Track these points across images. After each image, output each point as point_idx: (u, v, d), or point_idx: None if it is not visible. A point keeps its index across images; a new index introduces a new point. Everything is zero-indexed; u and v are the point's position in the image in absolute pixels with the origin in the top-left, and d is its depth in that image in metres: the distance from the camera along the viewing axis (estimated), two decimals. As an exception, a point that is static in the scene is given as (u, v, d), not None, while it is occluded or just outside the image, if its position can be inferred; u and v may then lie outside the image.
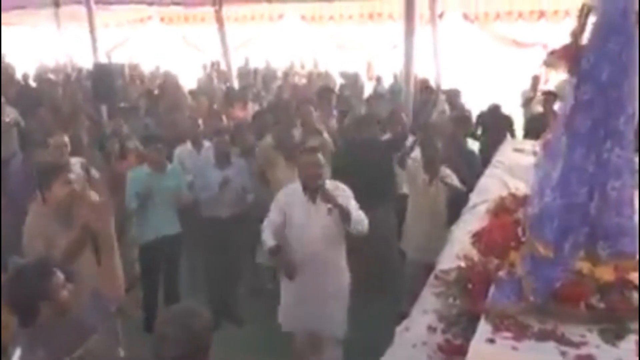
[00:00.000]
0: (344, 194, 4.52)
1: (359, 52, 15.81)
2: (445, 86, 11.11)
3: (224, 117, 7.78)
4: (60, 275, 2.89)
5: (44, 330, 2.78)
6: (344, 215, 4.37)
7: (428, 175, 5.65)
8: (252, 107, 9.69)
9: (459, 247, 3.69)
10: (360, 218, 4.44)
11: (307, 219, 4.49)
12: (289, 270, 4.46)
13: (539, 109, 9.18)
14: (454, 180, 5.61)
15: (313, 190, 4.47)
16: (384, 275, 6.21)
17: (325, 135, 6.51)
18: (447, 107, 9.53)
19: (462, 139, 6.68)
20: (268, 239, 4.50)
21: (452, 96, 9.86)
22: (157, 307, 5.76)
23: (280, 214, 4.57)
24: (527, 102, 10.16)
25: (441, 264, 3.82)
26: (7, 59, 16.78)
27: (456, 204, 5.36)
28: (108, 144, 6.62)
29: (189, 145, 6.73)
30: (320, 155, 4.59)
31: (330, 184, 4.58)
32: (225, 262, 5.98)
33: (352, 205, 4.48)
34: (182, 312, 2.61)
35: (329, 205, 4.37)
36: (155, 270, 5.80)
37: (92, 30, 12.84)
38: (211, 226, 5.92)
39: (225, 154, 5.98)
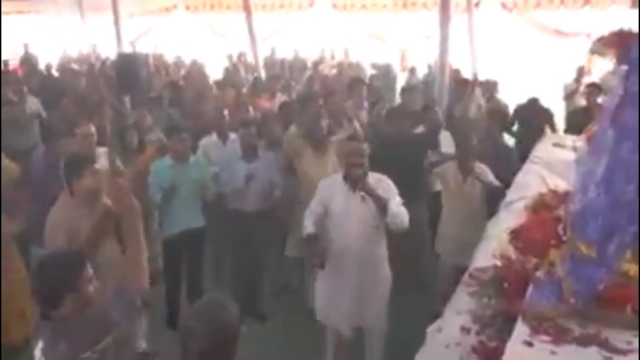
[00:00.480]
0: (387, 187, 4.57)
1: (392, 42, 15.71)
2: (481, 78, 10.97)
3: (250, 108, 7.78)
4: (90, 270, 2.93)
5: (67, 323, 2.81)
6: (381, 206, 4.42)
7: (462, 172, 5.58)
8: (281, 98, 9.68)
9: (495, 244, 3.62)
10: (399, 212, 4.45)
11: (346, 208, 4.55)
12: (320, 259, 4.46)
13: (581, 102, 9.03)
14: (489, 176, 5.54)
15: (354, 180, 4.51)
16: (416, 273, 6.19)
17: (356, 124, 6.44)
18: (482, 100, 9.41)
19: (498, 133, 6.58)
20: (308, 226, 4.55)
21: (489, 88, 9.74)
22: (180, 302, 5.80)
23: (321, 204, 4.65)
24: (570, 95, 9.99)
25: (476, 262, 3.77)
26: (30, 48, 17.06)
27: (493, 202, 5.28)
28: (127, 136, 6.67)
29: (214, 136, 6.74)
30: (364, 144, 4.65)
31: (374, 176, 4.63)
32: (250, 257, 6.00)
33: (396, 200, 4.51)
34: (209, 304, 2.62)
35: (362, 193, 4.44)
36: (178, 265, 5.83)
37: (116, 20, 12.97)
38: (236, 220, 5.94)
39: (251, 146, 5.99)
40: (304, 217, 4.67)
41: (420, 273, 6.27)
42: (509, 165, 5.93)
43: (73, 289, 2.82)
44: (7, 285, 4.73)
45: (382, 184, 4.59)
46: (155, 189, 5.54)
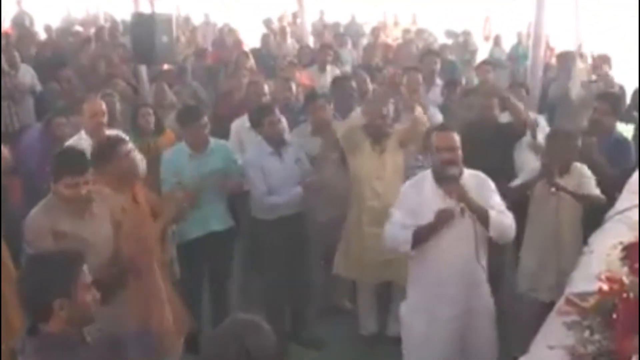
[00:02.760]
0: (483, 186, 4.59)
1: (472, 4, 15.56)
2: (589, 51, 10.77)
3: (293, 85, 7.78)
4: (86, 274, 2.96)
5: (56, 341, 2.82)
6: (481, 216, 4.39)
7: (546, 181, 5.31)
8: (332, 72, 9.76)
9: (600, 263, 3.55)
10: (503, 222, 4.45)
11: None
12: (441, 215, 4.40)
13: None
14: (589, 186, 5.28)
15: (447, 182, 4.48)
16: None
17: (419, 111, 6.31)
18: (590, 80, 9.21)
19: (611, 122, 6.39)
20: (401, 235, 4.52)
21: (598, 65, 9.54)
22: (201, 322, 5.83)
23: (410, 214, 4.56)
24: None
25: (575, 284, 3.72)
26: (24, 6, 17.34)
27: (596, 214, 5.11)
28: (140, 116, 6.69)
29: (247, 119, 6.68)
30: (454, 134, 4.61)
31: (468, 173, 4.62)
32: (292, 271, 5.99)
33: (495, 202, 4.52)
34: (241, 324, 2.67)
35: (461, 205, 4.39)
36: (199, 276, 5.86)
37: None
38: (272, 224, 5.90)
39: (280, 138, 5.93)
40: (386, 236, 4.67)
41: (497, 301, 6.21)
42: (623, 163, 5.76)
43: (64, 294, 2.84)
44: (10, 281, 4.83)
45: (478, 181, 4.59)
46: (167, 183, 5.54)
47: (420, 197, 4.58)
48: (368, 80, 7.80)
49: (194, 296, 5.85)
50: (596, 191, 5.24)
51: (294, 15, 15.51)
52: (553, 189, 5.23)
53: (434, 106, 7.29)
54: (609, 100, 6.46)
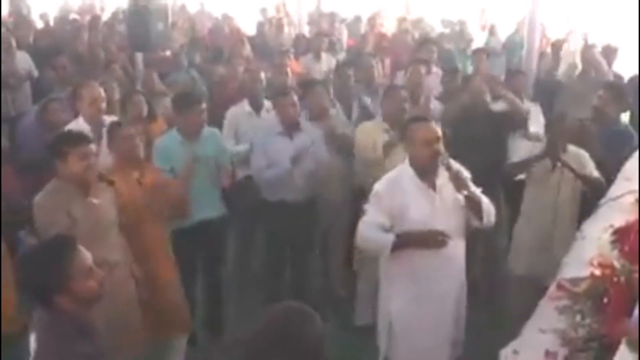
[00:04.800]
0: (464, 176, 4.37)
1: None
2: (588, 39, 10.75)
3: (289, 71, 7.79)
4: (85, 257, 2.89)
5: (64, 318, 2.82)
6: (475, 205, 4.27)
7: (550, 157, 5.32)
8: (329, 61, 9.84)
9: (592, 248, 3.57)
10: (489, 207, 4.37)
11: (430, 212, 4.24)
12: (434, 239, 4.19)
13: None
14: (586, 167, 5.27)
15: (431, 172, 4.27)
16: (488, 284, 6.24)
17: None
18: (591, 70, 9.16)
19: (614, 113, 6.31)
20: (381, 238, 4.24)
21: (603, 55, 9.44)
22: (195, 308, 5.83)
23: (386, 214, 4.27)
24: None
25: (567, 270, 3.73)
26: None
27: (595, 200, 5.11)
28: (130, 102, 6.59)
29: (245, 105, 6.70)
30: (435, 125, 4.38)
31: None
32: (290, 259, 6.02)
33: (475, 189, 4.34)
34: (288, 315, 2.59)
35: (465, 192, 4.22)
36: (192, 265, 5.78)
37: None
38: (273, 211, 5.91)
39: (294, 120, 5.91)
40: (361, 237, 4.39)
41: (491, 287, 6.27)
42: (621, 151, 5.72)
43: (61, 291, 2.79)
44: (5, 269, 4.85)
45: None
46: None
47: (401, 196, 4.26)
48: (375, 66, 7.82)
49: (187, 284, 5.81)
50: (595, 173, 5.21)
51: (284, 5, 15.51)
52: (558, 164, 5.22)
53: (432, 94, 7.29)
54: (614, 90, 6.40)
